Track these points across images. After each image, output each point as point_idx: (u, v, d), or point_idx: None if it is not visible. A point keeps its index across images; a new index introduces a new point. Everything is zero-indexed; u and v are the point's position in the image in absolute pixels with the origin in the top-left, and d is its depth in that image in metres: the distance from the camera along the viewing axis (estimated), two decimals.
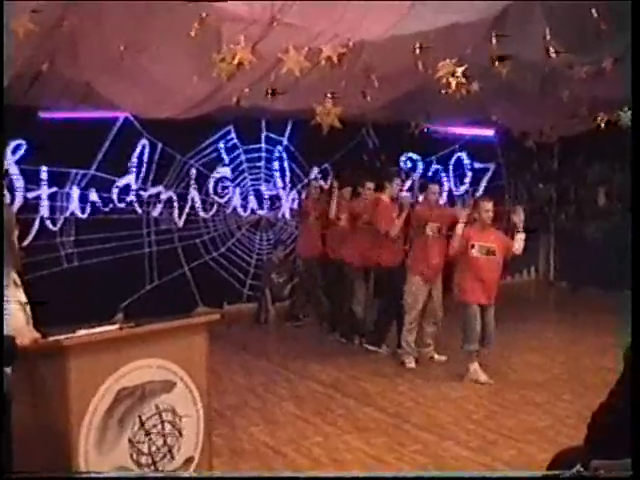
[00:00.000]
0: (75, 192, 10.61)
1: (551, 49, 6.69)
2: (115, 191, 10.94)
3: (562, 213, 13.80)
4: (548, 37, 6.58)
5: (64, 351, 3.79)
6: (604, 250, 13.22)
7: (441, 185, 12.02)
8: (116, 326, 4.15)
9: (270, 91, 6.92)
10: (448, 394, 7.81)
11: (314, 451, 6.20)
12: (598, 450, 3.59)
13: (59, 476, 3.96)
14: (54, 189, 10.46)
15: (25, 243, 9.60)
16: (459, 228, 8.06)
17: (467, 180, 14.28)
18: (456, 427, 6.79)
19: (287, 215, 12.39)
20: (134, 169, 11.09)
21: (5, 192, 9.57)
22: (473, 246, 8.09)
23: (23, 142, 9.99)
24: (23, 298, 3.95)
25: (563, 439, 5.92)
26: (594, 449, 3.67)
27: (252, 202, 12.16)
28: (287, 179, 12.52)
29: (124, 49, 6.12)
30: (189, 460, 4.45)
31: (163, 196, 11.37)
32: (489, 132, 13.79)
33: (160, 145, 11.15)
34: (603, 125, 10.37)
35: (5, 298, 3.71)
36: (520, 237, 8.10)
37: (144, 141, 11.07)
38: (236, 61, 5.82)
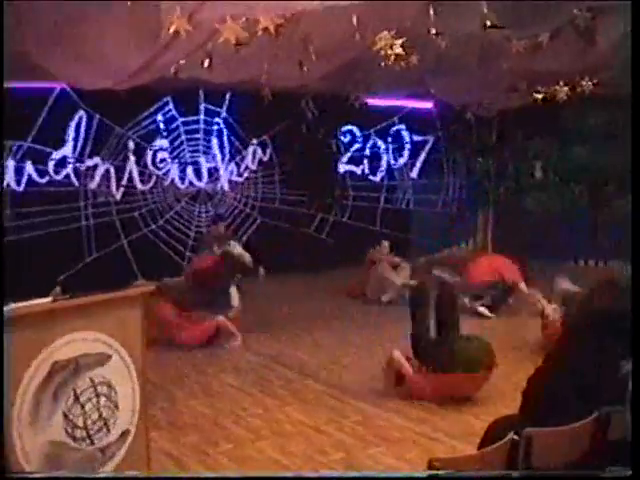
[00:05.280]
0: (10, 164, 10.41)
1: (488, 22, 6.69)
2: (51, 163, 10.77)
3: (500, 186, 13.93)
4: (485, 10, 6.59)
5: None
6: (540, 222, 13.39)
7: None
8: (49, 299, 4.08)
9: (207, 62, 6.82)
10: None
11: (254, 423, 6.22)
12: (532, 416, 3.68)
13: (59, 476, 3.92)
14: None
15: None
16: None
17: (406, 153, 14.34)
18: (395, 398, 6.85)
19: (226, 187, 12.32)
20: (71, 141, 10.92)
21: None
22: None
23: None
24: None
25: (499, 408, 6.01)
26: (528, 415, 3.76)
27: (190, 174, 12.07)
28: (226, 151, 12.44)
29: (59, 18, 5.97)
30: (125, 433, 4.42)
31: (100, 168, 11.21)
32: (428, 104, 13.83)
33: (97, 116, 10.99)
34: (540, 99, 10.49)
35: None
36: None
37: (81, 112, 10.91)
38: (172, 30, 5.73)
